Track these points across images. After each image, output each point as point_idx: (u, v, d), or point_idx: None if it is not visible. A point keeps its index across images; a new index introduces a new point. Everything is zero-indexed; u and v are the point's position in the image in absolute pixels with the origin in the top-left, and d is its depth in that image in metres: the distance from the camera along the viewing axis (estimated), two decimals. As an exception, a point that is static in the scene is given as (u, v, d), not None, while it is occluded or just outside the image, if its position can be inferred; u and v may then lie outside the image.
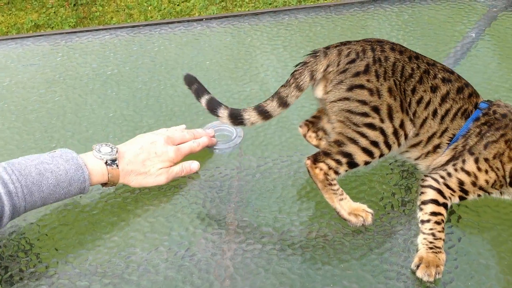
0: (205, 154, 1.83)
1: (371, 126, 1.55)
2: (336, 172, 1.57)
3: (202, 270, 1.47)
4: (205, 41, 2.38)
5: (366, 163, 1.58)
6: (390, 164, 1.77)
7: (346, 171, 1.58)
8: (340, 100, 1.58)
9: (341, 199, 1.57)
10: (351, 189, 1.68)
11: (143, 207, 1.65)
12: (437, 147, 1.64)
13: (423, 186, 1.58)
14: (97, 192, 1.69)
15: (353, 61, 1.58)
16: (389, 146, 1.57)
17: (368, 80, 1.56)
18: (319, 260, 1.50)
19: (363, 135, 1.55)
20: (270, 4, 4.95)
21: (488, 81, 1.84)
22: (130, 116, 1.99)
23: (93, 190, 1.69)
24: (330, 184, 1.56)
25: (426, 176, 1.60)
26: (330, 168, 1.55)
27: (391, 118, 1.56)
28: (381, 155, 1.58)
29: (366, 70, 1.57)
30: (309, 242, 1.55)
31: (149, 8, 4.78)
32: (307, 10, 2.56)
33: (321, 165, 1.56)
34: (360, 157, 1.56)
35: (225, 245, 1.54)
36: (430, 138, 1.63)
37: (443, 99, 1.61)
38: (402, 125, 1.57)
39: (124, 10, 4.74)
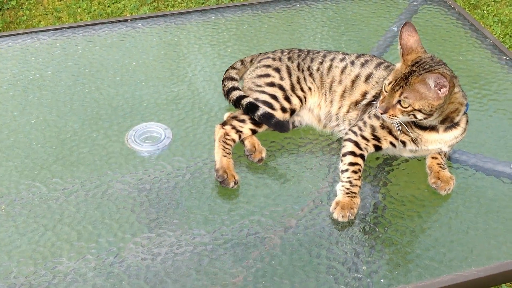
0: (132, 157, 1.80)
1: (271, 84, 1.85)
2: (239, 131, 1.78)
3: (131, 276, 1.45)
4: (131, 42, 2.34)
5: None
6: (317, 157, 1.79)
7: (252, 129, 1.79)
8: (251, 72, 1.91)
9: (224, 156, 1.73)
10: (281, 184, 1.70)
11: (69, 215, 1.60)
12: (364, 94, 1.81)
13: (344, 140, 1.74)
14: (20, 201, 1.63)
15: (266, 52, 2.02)
16: (288, 100, 1.82)
17: (273, 53, 1.97)
18: (250, 258, 1.50)
19: (263, 92, 1.83)
20: (202, 3, 4.91)
21: (410, 74, 1.89)
22: (54, 121, 1.93)
23: (16, 199, 1.64)
24: (225, 143, 1.76)
25: (348, 130, 1.76)
26: (233, 128, 1.78)
27: (289, 75, 1.86)
28: (283, 108, 1.80)
29: (273, 51, 1.99)
30: (240, 241, 1.55)
31: (78, 10, 4.65)
32: (233, 9, 2.56)
33: (226, 126, 1.79)
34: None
35: (156, 249, 1.52)
36: (354, 82, 1.83)
37: (359, 56, 1.91)
38: (299, 81, 1.84)
39: (52, 13, 4.59)
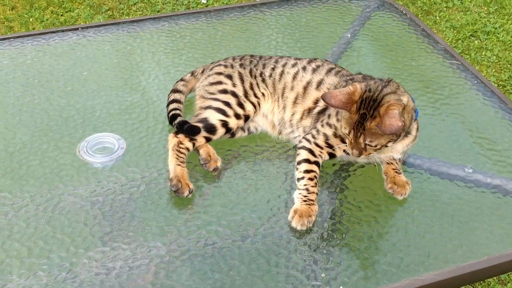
0: (85, 169, 1.75)
1: (224, 91, 1.84)
2: (192, 139, 1.75)
3: (85, 292, 1.40)
4: (82, 51, 2.29)
5: (224, 124, 1.78)
6: (274, 165, 1.78)
7: (206, 137, 1.77)
8: (203, 80, 1.91)
9: (178, 164, 1.70)
10: (239, 193, 1.68)
11: (18, 230, 1.54)
12: (316, 102, 1.81)
13: (298, 148, 1.75)
14: (-34, 218, 1.57)
15: (218, 61, 2.01)
16: (242, 106, 1.81)
17: (224, 61, 1.97)
18: (208, 269, 1.47)
19: (216, 99, 1.83)
20: (158, 11, 4.86)
21: (364, 79, 1.90)
22: (2, 133, 1.86)
23: (-39, 217, 1.57)
24: (179, 151, 1.73)
25: (302, 138, 1.76)
26: (186, 136, 1.74)
27: (242, 81, 1.86)
28: (237, 115, 1.80)
29: (225, 59, 1.99)
30: (197, 252, 1.52)
31: (31, 19, 4.54)
32: (187, 16, 2.53)
33: (180, 135, 1.76)
34: (214, 116, 1.78)
35: (110, 263, 1.47)
36: (305, 89, 1.83)
37: (311, 61, 1.91)
38: (252, 87, 1.85)
39: (4, 23, 4.47)
